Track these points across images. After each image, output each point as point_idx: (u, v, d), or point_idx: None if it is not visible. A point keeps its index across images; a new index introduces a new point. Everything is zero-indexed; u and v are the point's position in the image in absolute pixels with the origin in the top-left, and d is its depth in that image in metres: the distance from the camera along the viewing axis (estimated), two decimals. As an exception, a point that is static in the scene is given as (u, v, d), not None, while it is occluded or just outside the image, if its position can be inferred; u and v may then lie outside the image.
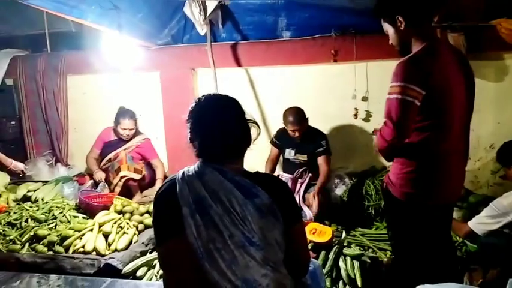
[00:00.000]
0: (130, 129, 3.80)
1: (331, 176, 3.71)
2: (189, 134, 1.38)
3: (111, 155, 3.80)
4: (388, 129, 1.74)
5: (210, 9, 3.46)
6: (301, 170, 3.51)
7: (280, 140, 3.70)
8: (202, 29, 3.60)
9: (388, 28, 1.92)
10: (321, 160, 3.51)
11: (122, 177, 3.64)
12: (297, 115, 3.42)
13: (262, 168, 3.90)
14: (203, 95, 1.41)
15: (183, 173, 1.34)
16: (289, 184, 3.43)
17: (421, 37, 1.83)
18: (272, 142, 3.74)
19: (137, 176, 3.72)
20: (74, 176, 3.92)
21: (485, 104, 3.63)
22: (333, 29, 3.63)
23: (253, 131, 1.43)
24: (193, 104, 1.39)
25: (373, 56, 3.58)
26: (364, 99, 3.75)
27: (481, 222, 2.45)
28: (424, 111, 1.75)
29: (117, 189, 3.59)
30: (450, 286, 1.52)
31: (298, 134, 3.45)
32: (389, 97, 1.74)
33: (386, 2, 1.90)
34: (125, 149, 3.81)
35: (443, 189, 1.94)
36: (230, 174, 1.29)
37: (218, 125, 1.33)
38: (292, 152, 3.60)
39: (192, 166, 1.36)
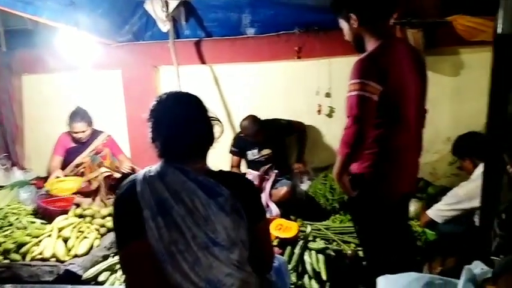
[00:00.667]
0: (83, 131, 3.62)
1: (297, 173, 3.76)
2: (150, 133, 1.33)
3: (77, 161, 3.64)
4: (349, 130, 1.77)
5: (172, 6, 3.40)
6: (266, 167, 3.52)
7: (239, 146, 3.70)
8: (165, 25, 3.53)
9: (343, 25, 1.97)
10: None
11: (102, 173, 3.51)
12: (253, 126, 3.46)
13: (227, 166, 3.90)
14: (164, 93, 1.37)
15: (144, 173, 1.30)
16: (256, 181, 3.44)
17: (375, 35, 1.87)
18: (231, 152, 3.76)
19: (117, 175, 3.59)
20: (31, 180, 3.75)
21: (442, 98, 3.76)
22: (296, 26, 3.65)
23: (217, 129, 1.40)
24: (154, 102, 1.34)
25: (336, 53, 3.62)
26: (328, 95, 3.80)
27: (439, 210, 2.58)
28: (380, 108, 1.79)
29: (95, 184, 3.46)
30: (410, 275, 1.56)
31: (256, 139, 3.52)
32: (349, 95, 1.78)
33: (340, 0, 1.93)
34: (91, 152, 3.67)
35: (399, 182, 1.99)
36: (193, 174, 1.27)
37: (180, 123, 1.29)
38: (255, 151, 3.62)
39: (153, 166, 1.32)
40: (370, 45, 1.88)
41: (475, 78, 3.56)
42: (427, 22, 3.37)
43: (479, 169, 2.46)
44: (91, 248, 2.67)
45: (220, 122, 1.42)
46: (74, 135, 3.63)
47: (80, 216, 2.98)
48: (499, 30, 1.66)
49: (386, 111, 1.82)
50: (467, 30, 3.10)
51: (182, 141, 1.29)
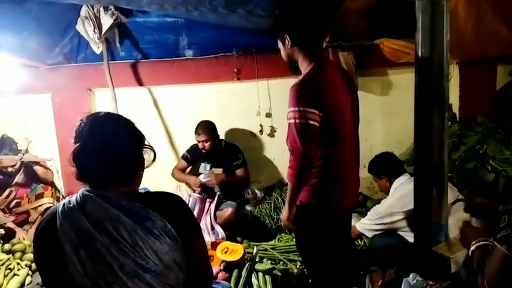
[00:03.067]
0: (12, 166, 3.36)
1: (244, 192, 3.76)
2: (71, 154, 1.24)
3: (6, 193, 3.35)
4: (295, 163, 1.79)
5: (105, 27, 3.30)
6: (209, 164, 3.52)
7: (194, 154, 3.67)
8: (98, 47, 3.41)
9: (280, 46, 2.02)
10: (240, 172, 3.60)
11: (42, 204, 3.29)
12: (203, 126, 3.47)
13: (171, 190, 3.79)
14: (91, 114, 1.28)
15: (64, 205, 1.21)
16: (198, 204, 3.37)
17: (308, 57, 1.93)
18: (183, 156, 3.72)
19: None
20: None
21: (375, 116, 3.98)
22: (234, 48, 3.70)
23: (147, 157, 1.34)
24: (78, 123, 1.25)
25: (274, 74, 3.71)
26: (268, 115, 3.86)
27: (364, 223, 2.71)
28: (320, 129, 1.84)
29: (34, 216, 3.17)
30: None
31: (207, 147, 3.46)
32: (290, 122, 1.80)
33: (276, 21, 1.99)
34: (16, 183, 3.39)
35: (343, 198, 2.05)
36: (115, 200, 1.19)
37: (100, 148, 1.21)
38: (208, 166, 3.57)
39: (73, 196, 1.23)
40: (304, 67, 1.94)
41: (403, 96, 3.80)
42: (357, 45, 3.57)
43: (394, 185, 2.63)
44: (22, 286, 2.49)
45: (152, 149, 1.36)
46: (3, 170, 3.35)
47: (9, 252, 2.73)
48: (419, 53, 1.80)
49: (326, 131, 1.88)
50: (393, 52, 3.31)
51: (101, 167, 1.22)
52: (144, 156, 1.33)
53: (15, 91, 3.45)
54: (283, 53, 2.02)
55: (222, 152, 3.59)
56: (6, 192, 3.35)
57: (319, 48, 2.00)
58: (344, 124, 1.97)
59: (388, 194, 2.78)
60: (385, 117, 3.99)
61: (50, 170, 3.59)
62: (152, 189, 3.75)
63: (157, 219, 1.20)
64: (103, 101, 3.75)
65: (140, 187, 3.63)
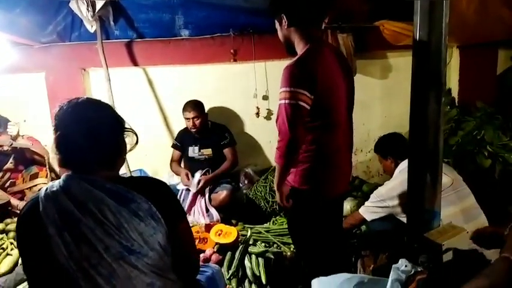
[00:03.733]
0: (8, 145, 3.33)
1: (240, 175, 3.75)
2: (53, 141, 1.23)
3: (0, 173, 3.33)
4: (283, 143, 1.79)
5: (98, 5, 3.22)
6: (204, 170, 3.45)
7: (182, 140, 3.65)
8: (92, 26, 3.34)
9: (277, 26, 1.98)
10: (227, 152, 3.57)
11: (37, 185, 3.28)
12: (193, 103, 3.46)
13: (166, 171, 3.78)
14: (70, 99, 1.26)
15: (47, 189, 1.21)
16: (194, 188, 3.36)
17: (304, 38, 1.89)
18: (173, 145, 3.71)
19: None
20: None
21: (373, 100, 3.94)
22: (231, 28, 3.62)
23: (129, 140, 1.33)
24: (57, 108, 1.24)
25: (271, 56, 3.66)
26: (265, 97, 3.82)
27: (367, 207, 2.66)
28: (312, 112, 1.81)
29: (29, 195, 3.17)
30: (342, 276, 1.58)
31: (197, 124, 3.45)
32: (280, 102, 1.78)
33: (273, 0, 1.95)
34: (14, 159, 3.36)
35: (334, 183, 2.04)
36: (100, 182, 1.19)
37: (81, 133, 1.20)
38: (196, 148, 3.55)
39: (56, 181, 1.23)
40: (299, 49, 1.90)
41: (402, 80, 3.76)
42: (357, 27, 3.50)
43: (399, 168, 2.59)
44: (15, 265, 2.48)
45: (134, 132, 1.35)
46: None
47: (2, 231, 2.74)
48: (416, 36, 1.75)
49: (320, 115, 1.85)
50: (393, 34, 3.24)
51: (84, 153, 1.22)
52: (126, 139, 1.32)
53: (8, 70, 3.39)
54: (280, 34, 1.98)
55: (209, 133, 3.57)
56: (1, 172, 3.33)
57: (317, 29, 1.96)
58: (338, 108, 1.94)
59: (391, 176, 2.72)
60: (383, 101, 3.95)
61: (45, 149, 3.56)
62: (148, 171, 3.79)
63: (142, 202, 1.20)
64: (97, 81, 3.70)
65: (136, 168, 3.65)
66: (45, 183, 3.22)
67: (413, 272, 1.48)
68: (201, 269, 1.66)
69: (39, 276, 1.17)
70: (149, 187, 1.27)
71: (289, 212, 2.23)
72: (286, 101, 1.74)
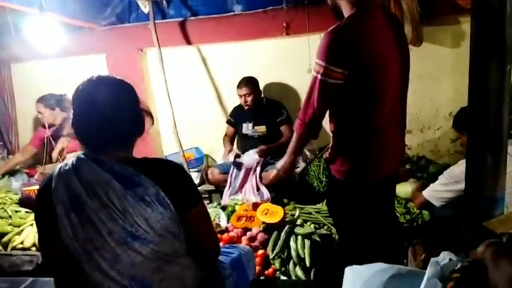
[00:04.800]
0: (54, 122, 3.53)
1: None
2: (71, 118, 1.25)
3: (59, 146, 3.56)
4: (304, 113, 1.71)
5: (150, -14, 3.25)
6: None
7: (236, 117, 3.65)
8: (145, 6, 3.39)
9: None
10: (284, 128, 3.50)
11: (62, 150, 3.47)
12: (246, 79, 3.43)
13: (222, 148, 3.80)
14: (89, 78, 1.26)
15: (60, 168, 1.22)
16: (244, 166, 3.34)
17: (351, 2, 1.70)
18: (228, 121, 3.72)
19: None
20: (23, 168, 3.74)
21: (442, 71, 3.55)
22: (284, 0, 3.46)
23: (146, 121, 1.31)
24: (76, 87, 1.24)
25: (327, 27, 3.37)
26: (320, 72, 3.62)
27: (435, 190, 2.38)
28: (354, 86, 1.66)
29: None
30: (376, 266, 1.44)
31: (249, 101, 3.41)
32: (313, 74, 1.67)
33: None
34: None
35: (380, 165, 1.87)
36: (108, 164, 1.17)
37: (96, 111, 1.19)
38: (250, 125, 3.52)
39: (71, 159, 1.24)
40: (346, 13, 1.73)
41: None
42: (422, -11, 3.14)
43: None
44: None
45: (150, 114, 1.32)
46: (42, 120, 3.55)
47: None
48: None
49: (362, 89, 1.68)
50: (465, -4, 2.86)
51: (95, 132, 1.21)
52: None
53: (70, 52, 3.59)
54: None
55: (263, 110, 3.50)
56: (59, 145, 3.51)
57: None
58: (385, 83, 1.74)
59: None
60: (455, 72, 3.53)
61: None
62: (204, 149, 3.85)
63: (150, 186, 1.17)
64: (154, 61, 3.78)
65: (191, 146, 3.71)
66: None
67: (459, 266, 1.30)
68: (227, 249, 1.63)
69: (48, 253, 1.22)
70: (160, 170, 1.24)
71: (329, 196, 2.11)
72: (318, 76, 1.62)
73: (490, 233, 1.63)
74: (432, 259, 1.31)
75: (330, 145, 1.89)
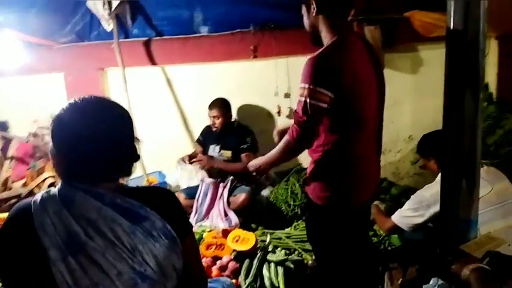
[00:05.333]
0: None
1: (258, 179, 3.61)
2: (50, 146, 1.08)
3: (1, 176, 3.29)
4: (295, 131, 1.68)
5: (115, 3, 3.15)
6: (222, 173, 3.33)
7: (205, 137, 3.56)
8: (109, 24, 3.28)
9: (304, 12, 1.81)
10: (244, 157, 3.37)
11: (45, 179, 3.21)
12: (217, 101, 3.36)
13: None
14: (77, 99, 1.09)
15: (42, 200, 1.03)
16: (211, 189, 3.25)
17: (333, 28, 1.72)
18: (197, 140, 3.63)
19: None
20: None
21: (402, 96, 3.69)
22: (251, 23, 3.48)
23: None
24: (58, 112, 1.07)
25: (294, 51, 3.49)
26: (287, 95, 3.65)
27: (405, 216, 2.37)
28: (336, 112, 1.65)
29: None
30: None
31: (219, 124, 3.34)
32: (299, 99, 1.64)
33: None
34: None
35: (360, 190, 1.86)
36: (108, 197, 1.04)
37: (94, 137, 1.04)
38: (217, 148, 3.44)
39: (52, 189, 1.07)
40: (326, 40, 1.74)
41: (434, 74, 3.48)
42: (385, 18, 3.28)
43: None
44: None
45: (138, 139, 1.18)
46: None
47: None
48: (450, 24, 1.55)
49: (344, 114, 1.68)
50: (424, 26, 3.02)
51: (94, 161, 1.05)
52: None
53: (26, 71, 3.39)
54: (306, 22, 1.80)
55: (233, 134, 3.43)
56: (3, 174, 3.25)
57: (345, 19, 1.79)
58: (365, 107, 1.75)
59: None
60: (414, 97, 3.69)
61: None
62: (167, 173, 3.71)
63: (156, 219, 1.06)
64: (116, 81, 3.64)
65: (154, 170, 3.57)
66: (52, 177, 3.15)
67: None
68: (210, 284, 1.53)
69: None
70: (161, 201, 1.13)
71: (308, 221, 2.08)
72: (306, 100, 1.60)
73: (467, 255, 1.66)
74: (424, 286, 1.30)
75: (308, 170, 1.87)
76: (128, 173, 1.15)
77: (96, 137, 1.04)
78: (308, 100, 1.59)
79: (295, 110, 1.69)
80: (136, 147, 1.16)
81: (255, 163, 1.99)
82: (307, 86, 1.59)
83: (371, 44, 2.32)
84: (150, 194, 1.15)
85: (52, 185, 3.22)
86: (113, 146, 1.07)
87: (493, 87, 3.52)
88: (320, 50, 1.67)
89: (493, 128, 2.90)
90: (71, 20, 3.45)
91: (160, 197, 1.17)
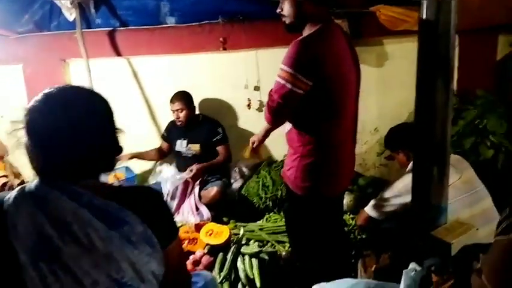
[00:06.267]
0: None
1: (231, 170, 3.60)
2: (25, 141, 1.00)
3: None
4: (268, 118, 1.80)
5: (77, -9, 3.01)
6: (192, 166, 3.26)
7: (170, 132, 3.49)
8: (71, 14, 3.13)
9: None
10: (220, 149, 3.39)
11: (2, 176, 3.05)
12: (178, 94, 3.31)
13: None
14: (52, 88, 1.03)
15: (15, 200, 0.96)
16: (182, 184, 3.19)
17: (316, 17, 1.74)
18: (162, 136, 3.55)
19: (16, 181, 3.13)
20: None
21: (368, 89, 3.68)
22: (220, 15, 3.43)
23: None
24: (31, 102, 1.00)
25: (263, 44, 3.47)
26: (257, 88, 3.63)
27: (377, 205, 2.44)
28: (317, 100, 1.67)
29: None
30: (346, 282, 1.44)
31: (181, 117, 3.28)
32: (278, 80, 1.66)
33: None
34: None
35: (338, 180, 1.90)
36: (86, 198, 0.96)
37: (69, 130, 0.97)
38: (184, 142, 3.37)
39: (27, 186, 0.99)
40: (309, 28, 1.75)
41: (398, 68, 3.61)
42: (351, 12, 3.34)
43: None
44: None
45: (121, 131, 1.12)
46: None
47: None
48: (423, 16, 1.59)
49: (326, 103, 1.70)
50: (390, 20, 3.09)
51: (72, 156, 0.98)
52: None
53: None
54: (288, 8, 1.76)
55: (199, 127, 3.39)
56: None
57: (329, 8, 1.82)
58: (345, 96, 1.79)
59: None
60: (379, 90, 3.78)
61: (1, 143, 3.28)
62: (134, 168, 3.61)
63: (137, 224, 0.99)
64: (78, 73, 3.49)
65: (120, 166, 3.45)
66: (5, 177, 2.98)
67: (426, 274, 1.35)
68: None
69: None
70: (144, 202, 1.06)
71: (287, 211, 2.10)
72: (282, 81, 1.63)
73: (438, 241, 1.73)
74: (404, 271, 1.34)
75: (288, 160, 1.88)
76: (110, 167, 1.09)
77: (75, 129, 0.98)
78: (288, 85, 1.61)
79: (271, 90, 1.71)
80: (118, 139, 1.11)
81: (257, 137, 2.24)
82: (289, 70, 1.60)
83: (350, 36, 2.37)
84: (133, 196, 1.08)
85: (5, 185, 3.05)
86: (93, 137, 1.01)
87: (454, 80, 3.67)
88: (306, 34, 1.68)
89: (455, 119, 3.03)
90: (29, 9, 3.24)
91: (144, 198, 1.09)
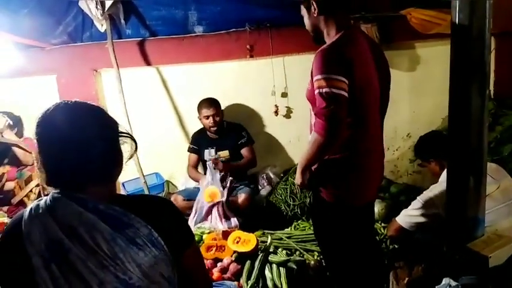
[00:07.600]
0: None
1: (259, 177, 3.58)
2: (37, 154, 1.06)
3: None
4: (320, 124, 1.58)
5: (108, 3, 3.09)
6: (221, 174, 3.26)
7: (197, 143, 3.48)
8: (102, 25, 3.22)
9: (304, 13, 1.81)
10: (244, 151, 3.41)
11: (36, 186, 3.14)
12: (210, 100, 3.35)
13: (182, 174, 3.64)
14: (55, 104, 1.08)
15: (31, 210, 1.03)
16: (224, 194, 3.18)
17: (336, 26, 1.72)
18: (189, 149, 3.54)
19: (51, 189, 3.23)
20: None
21: (400, 94, 3.68)
22: (247, 23, 3.44)
23: (126, 148, 1.16)
24: (39, 115, 1.06)
25: (290, 50, 3.47)
26: (284, 95, 3.62)
27: (407, 215, 2.33)
28: (348, 104, 1.62)
29: (29, 204, 3.07)
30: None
31: (214, 121, 3.30)
32: (316, 93, 1.58)
33: None
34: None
35: (366, 189, 1.85)
36: (92, 203, 1.01)
37: (67, 143, 1.02)
38: (212, 151, 3.37)
39: (43, 198, 1.05)
40: (330, 37, 1.73)
41: (431, 72, 3.51)
42: (381, 16, 3.27)
43: None
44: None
45: (132, 138, 1.16)
46: None
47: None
48: (456, 19, 1.53)
49: (353, 110, 1.65)
50: (421, 23, 3.01)
51: (71, 167, 1.04)
52: (123, 146, 1.14)
53: (18, 73, 3.32)
54: (307, 22, 1.80)
55: (225, 133, 3.42)
56: None
57: (347, 16, 1.79)
58: (371, 103, 1.74)
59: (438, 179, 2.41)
60: (411, 95, 3.68)
61: (28, 152, 3.35)
62: (164, 175, 3.66)
63: (142, 226, 1.02)
64: (110, 82, 3.57)
65: (151, 172, 3.50)
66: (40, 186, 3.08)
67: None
68: (215, 288, 1.49)
69: None
70: (150, 208, 1.11)
71: (315, 220, 2.05)
72: (324, 90, 1.53)
73: (475, 254, 1.64)
74: (437, 287, 1.27)
75: (314, 168, 1.83)
76: (108, 178, 1.12)
77: (81, 141, 1.03)
78: (328, 90, 1.53)
79: (315, 111, 1.62)
80: (121, 150, 1.15)
81: (298, 180, 1.84)
82: (322, 76, 1.55)
83: (376, 42, 2.31)
84: (139, 202, 1.13)
85: (40, 195, 3.15)
86: (87, 151, 1.05)
87: (491, 84, 3.52)
88: (328, 43, 1.66)
89: (493, 125, 2.90)
90: (63, 21, 3.36)
91: (151, 205, 1.14)
